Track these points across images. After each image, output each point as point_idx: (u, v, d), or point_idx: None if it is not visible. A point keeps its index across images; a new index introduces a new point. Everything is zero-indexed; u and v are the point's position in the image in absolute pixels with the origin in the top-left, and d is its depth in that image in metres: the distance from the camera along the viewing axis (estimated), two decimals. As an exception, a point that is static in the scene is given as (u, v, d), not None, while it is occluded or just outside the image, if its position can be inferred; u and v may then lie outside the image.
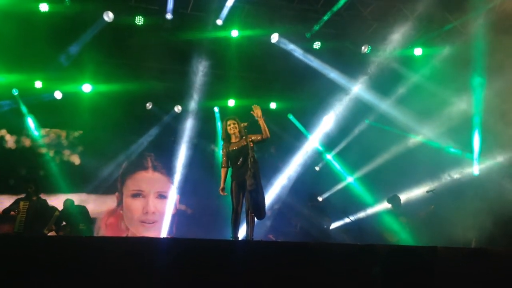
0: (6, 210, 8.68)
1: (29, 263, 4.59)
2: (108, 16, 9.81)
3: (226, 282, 4.92)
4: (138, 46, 10.28)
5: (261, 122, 7.07)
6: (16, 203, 8.73)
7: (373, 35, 10.95)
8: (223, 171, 7.21)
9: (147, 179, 12.01)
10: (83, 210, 9.61)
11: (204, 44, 10.57)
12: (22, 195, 9.14)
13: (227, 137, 7.26)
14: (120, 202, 11.76)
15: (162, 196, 11.99)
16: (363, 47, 11.18)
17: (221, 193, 7.09)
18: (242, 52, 10.75)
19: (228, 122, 7.24)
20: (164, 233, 11.65)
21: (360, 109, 11.81)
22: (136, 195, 11.83)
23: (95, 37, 10.06)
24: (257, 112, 7.08)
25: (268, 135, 7.07)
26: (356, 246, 6.90)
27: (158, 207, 11.88)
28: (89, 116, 11.25)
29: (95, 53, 10.33)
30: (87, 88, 11.10)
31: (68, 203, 9.33)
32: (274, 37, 10.70)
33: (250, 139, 7.13)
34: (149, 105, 11.67)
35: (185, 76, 11.25)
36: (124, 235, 11.50)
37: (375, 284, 2.30)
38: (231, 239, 7.12)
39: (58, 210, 8.80)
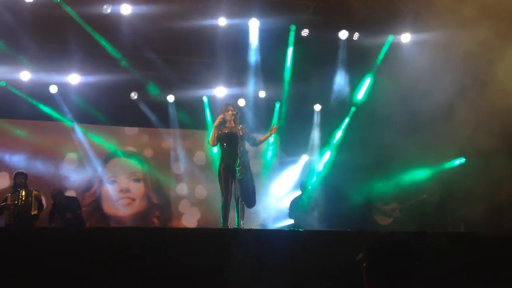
0: None
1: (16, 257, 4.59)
2: (105, 7, 9.71)
3: (217, 270, 4.94)
4: (125, 35, 10.19)
5: (267, 137, 7.85)
6: (4, 199, 8.90)
7: (361, 21, 10.92)
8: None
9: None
10: (73, 200, 9.69)
11: (192, 33, 10.48)
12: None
13: (222, 121, 7.35)
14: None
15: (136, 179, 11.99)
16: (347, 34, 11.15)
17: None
18: (230, 40, 10.69)
19: (228, 107, 7.44)
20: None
21: (346, 97, 11.86)
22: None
23: (82, 27, 9.94)
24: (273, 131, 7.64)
25: (258, 145, 7.92)
26: (346, 233, 6.97)
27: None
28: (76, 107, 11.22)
29: (82, 43, 10.27)
30: (74, 79, 11.00)
31: (55, 192, 9.37)
32: (254, 24, 10.60)
33: (240, 129, 7.22)
34: (134, 95, 11.56)
35: (173, 65, 11.21)
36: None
37: (361, 269, 2.32)
38: (221, 227, 7.17)
39: (36, 190, 8.97)
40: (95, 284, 4.60)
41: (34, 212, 8.74)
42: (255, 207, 7.52)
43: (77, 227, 8.61)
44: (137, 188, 11.90)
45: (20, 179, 8.92)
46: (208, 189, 11.87)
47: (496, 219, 8.67)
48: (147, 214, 11.84)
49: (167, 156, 12.24)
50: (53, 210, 9.20)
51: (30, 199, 8.77)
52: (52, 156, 11.26)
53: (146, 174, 12.04)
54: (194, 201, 12.17)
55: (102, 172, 11.66)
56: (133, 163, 12.01)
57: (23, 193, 8.78)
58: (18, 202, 8.66)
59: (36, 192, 8.91)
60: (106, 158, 11.84)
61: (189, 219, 12.06)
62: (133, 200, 11.75)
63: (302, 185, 10.61)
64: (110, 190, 11.66)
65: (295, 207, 10.26)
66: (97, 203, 11.55)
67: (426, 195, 10.79)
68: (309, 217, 10.01)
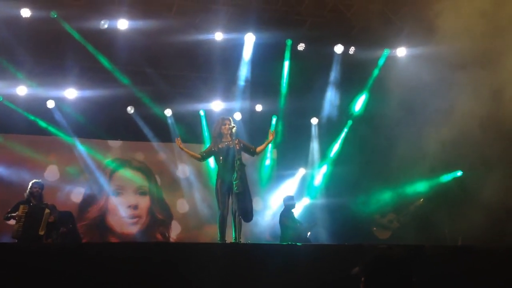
0: (7, 217, 8.56)
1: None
2: (102, 23, 9.75)
3: (214, 284, 4.92)
4: (122, 50, 10.22)
5: (266, 145, 7.77)
6: (16, 207, 8.57)
7: (357, 36, 11.00)
8: (196, 155, 7.60)
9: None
10: (66, 214, 9.61)
11: (188, 47, 10.53)
12: None
13: (218, 136, 7.40)
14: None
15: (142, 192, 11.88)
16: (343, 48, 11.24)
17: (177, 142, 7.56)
18: (227, 55, 10.75)
19: (224, 121, 7.46)
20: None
21: (344, 110, 11.92)
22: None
23: (79, 42, 9.98)
24: (271, 138, 7.66)
25: (259, 154, 7.87)
26: (344, 246, 6.95)
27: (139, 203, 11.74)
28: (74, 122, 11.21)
29: (79, 58, 10.32)
30: (71, 93, 11.01)
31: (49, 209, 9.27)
32: (251, 38, 10.70)
33: (237, 142, 7.25)
34: (130, 109, 11.54)
35: (170, 80, 11.26)
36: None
37: (358, 283, 2.32)
38: (219, 242, 7.14)
39: (48, 208, 8.74)
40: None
41: (41, 232, 8.33)
42: (252, 221, 7.48)
43: (69, 243, 8.49)
44: (143, 202, 11.78)
45: (37, 189, 8.67)
46: (190, 202, 11.87)
47: (494, 231, 8.67)
48: (150, 231, 11.66)
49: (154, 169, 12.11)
50: (49, 227, 9.01)
51: (42, 216, 8.42)
52: (50, 170, 11.25)
53: (152, 186, 11.95)
54: (175, 215, 11.99)
55: (107, 185, 11.57)
56: (138, 176, 11.92)
57: (36, 207, 8.47)
58: (29, 214, 8.34)
59: (48, 211, 8.50)
60: (110, 171, 11.76)
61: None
62: (140, 217, 11.64)
63: (286, 200, 10.36)
64: (118, 204, 11.52)
65: (286, 221, 10.11)
66: (102, 217, 11.40)
67: (422, 199, 10.89)
68: (302, 230, 9.92)
